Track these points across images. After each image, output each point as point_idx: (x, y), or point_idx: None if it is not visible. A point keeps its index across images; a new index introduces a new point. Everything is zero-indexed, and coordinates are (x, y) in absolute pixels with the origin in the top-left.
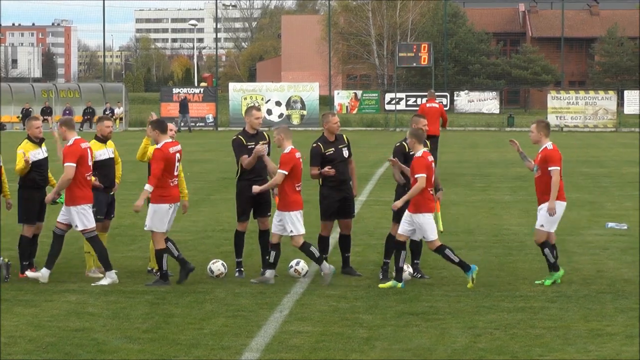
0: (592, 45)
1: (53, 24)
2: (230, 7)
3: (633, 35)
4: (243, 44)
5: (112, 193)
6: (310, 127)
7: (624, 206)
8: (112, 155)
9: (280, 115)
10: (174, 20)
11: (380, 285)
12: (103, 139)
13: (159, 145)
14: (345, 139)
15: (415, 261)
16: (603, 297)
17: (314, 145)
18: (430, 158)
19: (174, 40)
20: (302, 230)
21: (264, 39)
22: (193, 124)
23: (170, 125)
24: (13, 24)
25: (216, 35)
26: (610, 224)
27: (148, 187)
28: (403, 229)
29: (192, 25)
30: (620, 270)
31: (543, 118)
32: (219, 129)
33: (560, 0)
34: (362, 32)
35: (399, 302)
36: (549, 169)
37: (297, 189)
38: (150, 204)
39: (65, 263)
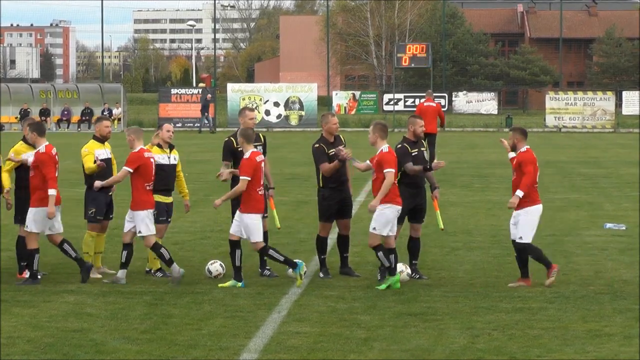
0: (591, 46)
1: (51, 24)
2: (229, 8)
3: (631, 36)
4: (241, 44)
5: (110, 194)
6: (308, 128)
7: (623, 207)
8: (110, 156)
9: (279, 116)
10: (172, 21)
11: (378, 287)
12: (102, 139)
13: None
14: (343, 140)
15: (414, 262)
16: (601, 298)
17: (317, 145)
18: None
19: (172, 40)
20: (153, 230)
21: (262, 40)
22: (191, 124)
23: (168, 126)
24: (11, 25)
25: (214, 35)
26: (609, 225)
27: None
28: (233, 228)
29: (191, 25)
30: (618, 271)
31: (381, 120)
32: (217, 129)
33: (558, 0)
34: (361, 32)
35: (397, 303)
36: (384, 171)
37: (148, 188)
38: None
39: (64, 264)
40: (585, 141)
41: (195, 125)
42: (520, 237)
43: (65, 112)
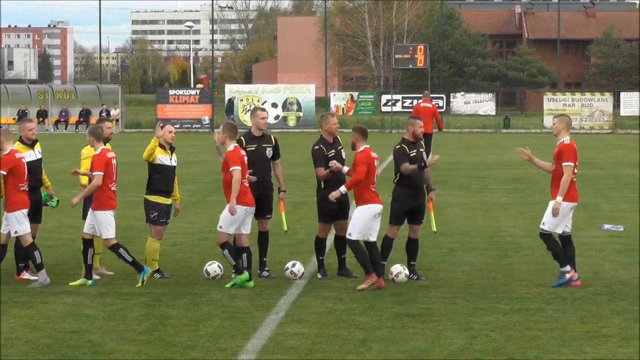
0: (589, 47)
1: (49, 25)
2: (227, 9)
3: (629, 37)
4: (239, 45)
5: None
6: (306, 129)
7: (620, 208)
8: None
9: (277, 117)
10: (170, 22)
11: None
12: (103, 141)
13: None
14: (340, 142)
15: (412, 263)
16: (599, 299)
17: (316, 147)
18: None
19: (170, 41)
20: (28, 229)
21: (260, 41)
22: (189, 125)
23: (170, 127)
24: (9, 26)
25: (212, 36)
26: (607, 226)
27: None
28: (86, 227)
29: (188, 26)
30: (616, 272)
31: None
32: (215, 130)
33: (556, 1)
34: (359, 33)
35: (395, 304)
36: (231, 169)
37: (22, 188)
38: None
39: (62, 265)
40: (583, 142)
41: (194, 126)
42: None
43: (63, 113)
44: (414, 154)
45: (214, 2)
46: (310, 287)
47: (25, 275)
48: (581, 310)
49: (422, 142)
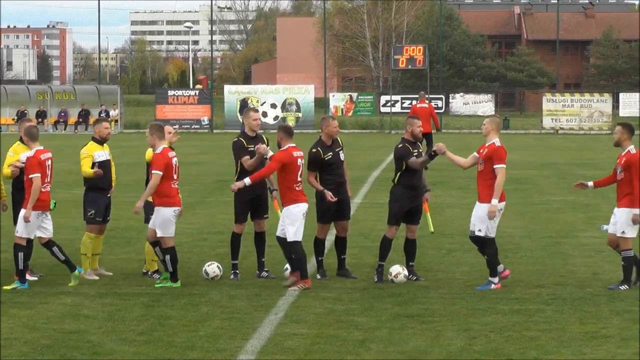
0: (588, 48)
1: (48, 26)
2: (226, 9)
3: (628, 38)
4: (238, 46)
5: (108, 195)
6: (305, 130)
7: None
8: (109, 157)
9: (276, 118)
10: (169, 23)
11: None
12: (101, 141)
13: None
14: (341, 143)
15: (411, 263)
16: (598, 300)
17: (314, 150)
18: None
19: (169, 42)
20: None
21: (259, 41)
22: (188, 125)
23: (169, 128)
24: (8, 26)
25: (211, 37)
26: (606, 227)
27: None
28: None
29: (187, 27)
30: (615, 273)
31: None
32: (215, 131)
33: (555, 2)
34: (358, 34)
35: (394, 305)
36: (153, 172)
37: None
38: None
39: (61, 265)
40: (582, 143)
41: (193, 126)
42: (288, 235)
43: (62, 114)
44: (415, 154)
45: (213, 2)
46: (309, 288)
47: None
48: (580, 311)
49: (421, 143)
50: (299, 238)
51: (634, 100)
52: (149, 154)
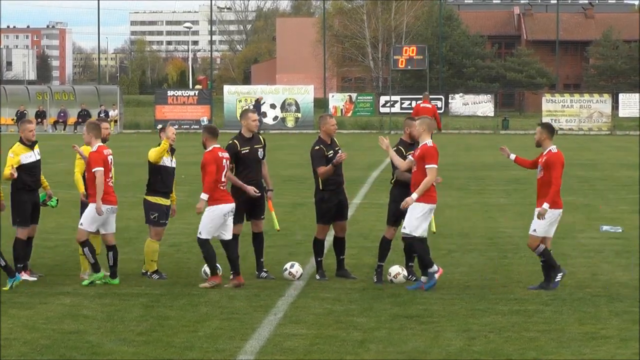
0: (587, 48)
1: (48, 26)
2: (225, 10)
3: (628, 38)
4: (238, 46)
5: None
6: (304, 130)
7: (619, 209)
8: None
9: (275, 118)
10: (168, 23)
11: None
12: (101, 141)
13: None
14: (337, 142)
15: (410, 264)
16: (598, 300)
17: (317, 147)
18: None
19: (169, 42)
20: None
21: (259, 42)
22: (188, 126)
23: (172, 129)
24: (8, 26)
25: (211, 37)
26: (605, 227)
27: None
28: None
29: (187, 27)
30: (614, 274)
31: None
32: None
33: (555, 3)
34: (357, 34)
35: (393, 305)
36: (93, 170)
37: None
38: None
39: (60, 265)
40: (582, 143)
41: (193, 126)
42: (200, 232)
43: (62, 114)
44: (411, 155)
45: (213, 3)
46: (308, 288)
47: (24, 275)
48: (579, 312)
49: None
50: (209, 237)
51: (634, 100)
52: (151, 152)
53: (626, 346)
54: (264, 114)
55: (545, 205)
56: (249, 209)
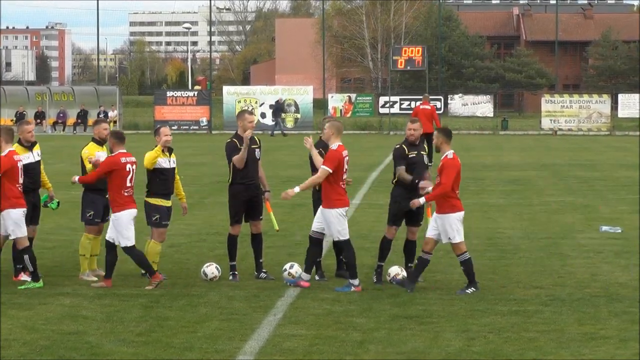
0: (587, 49)
1: (47, 27)
2: (225, 10)
3: (627, 39)
4: (237, 47)
5: (107, 196)
6: (304, 131)
7: (618, 210)
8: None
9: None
10: (167, 24)
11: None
12: (100, 142)
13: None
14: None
15: (409, 265)
16: (597, 301)
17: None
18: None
19: (168, 43)
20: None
21: (258, 42)
22: (187, 127)
23: (166, 130)
24: (7, 27)
25: (210, 38)
26: (604, 228)
27: None
28: None
29: (186, 28)
30: (614, 274)
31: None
32: (213, 132)
33: (554, 3)
34: (356, 35)
35: (392, 306)
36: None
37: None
38: None
39: (60, 266)
40: (581, 144)
41: (192, 127)
42: (118, 242)
43: (61, 115)
44: (414, 155)
45: (212, 3)
46: (308, 288)
47: (23, 276)
48: (579, 312)
49: (425, 145)
50: (132, 243)
51: (633, 101)
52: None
53: (625, 346)
54: (263, 115)
55: (422, 200)
56: (247, 210)
